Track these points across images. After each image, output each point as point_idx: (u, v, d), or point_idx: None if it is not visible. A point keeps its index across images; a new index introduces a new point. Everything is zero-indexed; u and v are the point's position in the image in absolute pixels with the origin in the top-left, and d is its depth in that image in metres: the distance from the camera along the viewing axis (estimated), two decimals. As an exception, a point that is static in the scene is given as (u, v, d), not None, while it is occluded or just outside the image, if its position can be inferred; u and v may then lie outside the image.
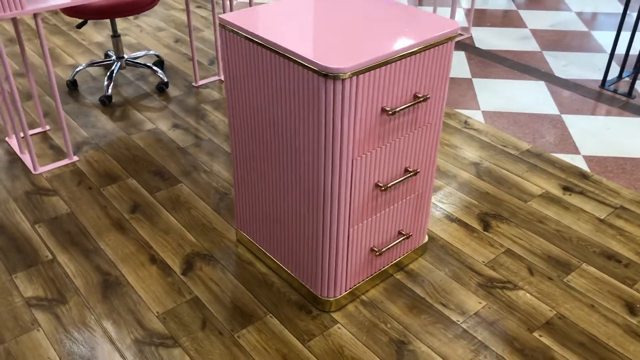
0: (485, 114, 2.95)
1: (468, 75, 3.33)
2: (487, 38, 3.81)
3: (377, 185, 1.71)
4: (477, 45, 3.71)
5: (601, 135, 2.77)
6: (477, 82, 3.26)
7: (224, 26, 1.68)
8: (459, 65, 3.43)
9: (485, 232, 2.19)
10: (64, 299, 1.87)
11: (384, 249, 1.86)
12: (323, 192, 1.62)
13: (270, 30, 1.60)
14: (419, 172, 1.80)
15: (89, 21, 3.99)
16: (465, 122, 2.88)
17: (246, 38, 1.61)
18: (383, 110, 1.58)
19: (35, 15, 2.23)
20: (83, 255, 2.04)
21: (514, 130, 2.81)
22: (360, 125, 1.55)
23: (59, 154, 2.58)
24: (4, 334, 1.75)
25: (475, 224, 2.22)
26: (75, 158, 2.56)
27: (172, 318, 1.80)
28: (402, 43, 1.54)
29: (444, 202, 2.33)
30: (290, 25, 1.64)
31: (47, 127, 2.78)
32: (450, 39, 1.66)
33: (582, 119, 2.90)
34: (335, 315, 1.84)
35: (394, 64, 1.53)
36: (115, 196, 2.33)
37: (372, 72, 1.49)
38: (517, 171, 2.51)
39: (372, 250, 1.85)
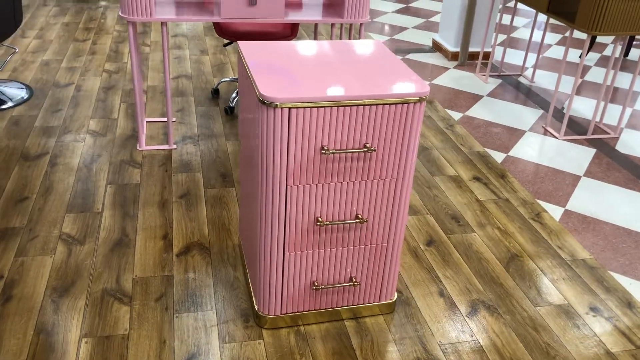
0: (567, 213, 2.70)
1: (580, 172, 3.07)
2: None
3: (317, 220, 1.79)
4: (618, 147, 3.37)
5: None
6: (585, 181, 2.98)
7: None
8: (577, 161, 3.17)
9: (466, 317, 2.06)
10: (83, 243, 2.29)
11: (325, 287, 1.91)
12: (259, 212, 1.76)
13: (259, 60, 1.82)
14: (366, 221, 1.82)
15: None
16: (538, 214, 2.68)
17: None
18: (322, 148, 1.67)
19: (162, 24, 2.76)
20: (122, 216, 2.45)
21: (582, 238, 2.53)
22: (295, 156, 1.67)
23: (167, 140, 3.09)
24: (28, 249, 2.23)
25: (463, 308, 2.10)
26: (174, 147, 3.04)
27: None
28: (353, 91, 1.63)
29: (448, 276, 2.24)
30: (274, 60, 1.83)
31: (174, 119, 3.33)
32: (419, 100, 1.69)
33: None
34: (265, 332, 1.94)
35: (341, 108, 1.63)
36: (178, 182, 2.73)
37: (313, 109, 1.61)
38: (549, 273, 2.28)
39: (313, 283, 1.91)
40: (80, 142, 3.02)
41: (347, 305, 2.00)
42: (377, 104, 1.66)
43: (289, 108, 1.60)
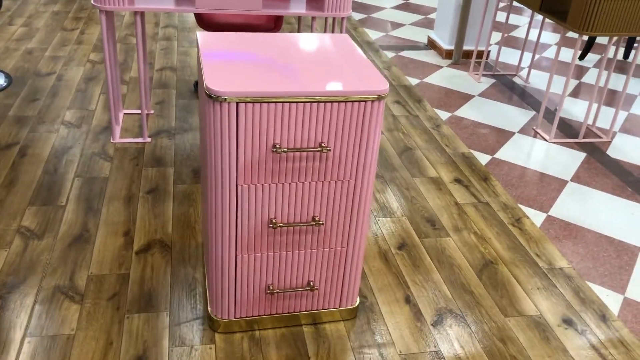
0: (549, 219, 2.60)
1: (567, 177, 2.96)
2: (633, 149, 3.31)
3: (271, 222, 1.70)
4: (609, 152, 3.26)
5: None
6: (572, 186, 2.88)
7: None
8: (565, 165, 3.06)
9: (431, 326, 1.97)
10: (42, 237, 2.22)
11: (280, 291, 1.82)
12: (210, 212, 1.68)
13: (215, 52, 1.73)
14: (322, 224, 1.74)
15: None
16: (518, 220, 2.58)
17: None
18: (274, 146, 1.59)
19: (137, 13, 2.67)
20: (85, 210, 2.38)
21: (562, 245, 2.44)
22: (246, 154, 1.58)
23: (142, 133, 3.02)
24: (-15, 244, 2.17)
25: (429, 317, 2.01)
26: (148, 140, 2.96)
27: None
28: (307, 87, 1.54)
29: (416, 282, 2.15)
30: (231, 52, 1.74)
31: (152, 112, 3.25)
32: (378, 98, 1.60)
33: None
34: (217, 337, 1.86)
35: (294, 104, 1.54)
36: (147, 177, 2.65)
37: (263, 105, 1.52)
38: (524, 282, 2.19)
39: (268, 287, 1.83)
40: (53, 132, 2.95)
41: (305, 310, 1.92)
42: (332, 101, 1.57)
43: (237, 103, 1.51)
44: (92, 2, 2.61)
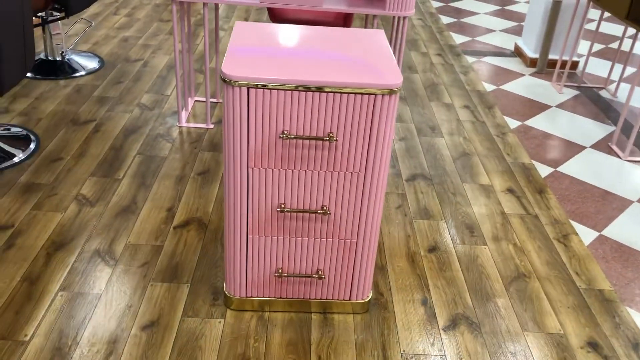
0: (601, 239, 2.44)
1: (633, 198, 2.76)
2: None
3: (280, 206, 1.76)
4: (692, 175, 2.98)
5: None
6: (636, 208, 2.67)
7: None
8: (635, 185, 2.84)
9: (442, 330, 1.93)
10: (94, 205, 2.42)
11: (289, 275, 1.87)
12: (225, 192, 1.76)
13: (243, 40, 1.81)
14: (329, 213, 1.76)
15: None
16: (566, 235, 2.45)
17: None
18: (283, 132, 1.64)
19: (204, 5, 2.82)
20: (138, 185, 2.56)
21: (608, 267, 2.28)
22: (256, 138, 1.65)
23: (206, 120, 3.17)
24: (44, 204, 2.39)
25: (442, 321, 1.97)
26: (211, 126, 3.12)
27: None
28: (317, 76, 1.58)
29: (438, 286, 2.11)
30: (259, 41, 1.81)
31: (220, 100, 3.41)
32: (390, 92, 1.60)
33: None
34: (229, 313, 1.94)
35: (302, 92, 1.59)
36: (202, 160, 2.80)
37: (273, 91, 1.58)
38: (554, 300, 2.07)
39: (277, 270, 1.88)
40: (127, 113, 3.19)
41: (315, 298, 1.96)
42: (341, 92, 1.59)
43: (248, 87, 1.58)
44: (166, -7, 2.79)
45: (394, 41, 3.01)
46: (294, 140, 1.65)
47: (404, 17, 2.84)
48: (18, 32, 2.46)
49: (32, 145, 2.81)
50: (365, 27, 3.24)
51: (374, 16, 2.86)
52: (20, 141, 2.83)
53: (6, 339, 1.78)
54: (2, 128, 2.90)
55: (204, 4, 2.84)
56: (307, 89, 1.58)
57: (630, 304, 2.13)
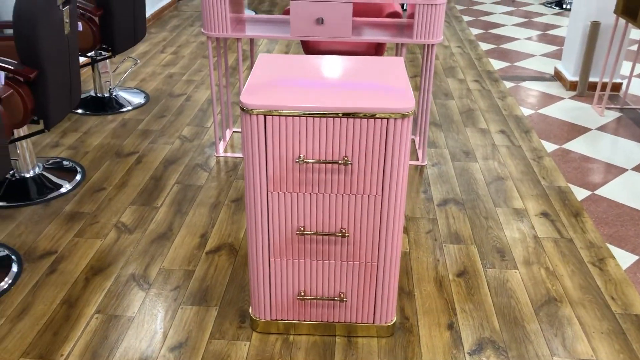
0: (642, 263, 2.37)
1: (677, 220, 2.66)
2: None
3: (299, 229, 1.80)
4: None
5: None
6: (681, 231, 2.58)
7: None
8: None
9: (467, 354, 1.90)
10: (132, 232, 2.53)
11: (311, 298, 1.90)
12: (247, 217, 1.82)
13: (264, 70, 1.89)
14: (347, 235, 1.79)
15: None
16: (602, 259, 2.38)
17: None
18: (299, 157, 1.69)
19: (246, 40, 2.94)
20: (174, 212, 2.66)
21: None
22: (274, 163, 1.71)
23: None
24: (86, 232, 2.51)
25: (467, 345, 1.95)
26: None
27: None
28: (330, 103, 1.63)
29: (465, 310, 2.08)
30: (279, 71, 1.89)
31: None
32: (402, 116, 1.64)
33: None
34: (255, 335, 1.98)
35: (317, 118, 1.64)
36: (236, 187, 2.88)
37: (288, 118, 1.64)
38: (587, 325, 2.01)
39: (299, 293, 1.91)
40: (169, 145, 3.33)
41: (339, 321, 1.97)
42: (354, 117, 1.64)
43: (265, 115, 1.65)
44: (202, 30, 2.93)
45: (424, 68, 3.04)
46: (311, 164, 1.71)
47: (432, 45, 2.88)
48: (64, 71, 2.63)
49: (78, 177, 2.97)
50: (397, 55, 3.29)
51: (403, 45, 2.91)
52: (68, 173, 2.99)
53: (44, 358, 1.87)
54: (51, 161, 3.09)
55: (237, 39, 2.97)
56: (320, 115, 1.64)
57: (669, 329, 2.05)
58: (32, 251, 2.39)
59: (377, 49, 3.42)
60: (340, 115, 1.64)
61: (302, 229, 1.80)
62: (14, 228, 2.54)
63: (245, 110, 1.65)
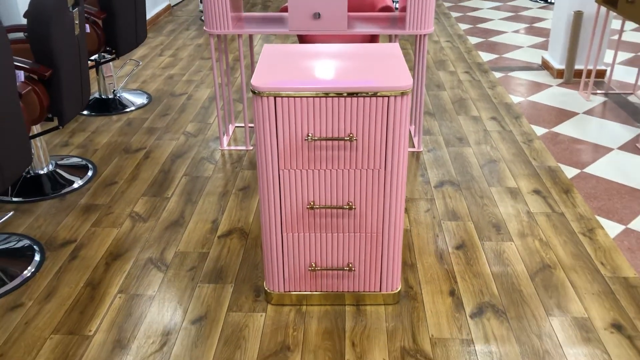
0: (627, 231, 2.51)
1: (661, 192, 2.82)
2: None
3: (310, 204, 1.94)
4: None
5: None
6: (665, 202, 2.73)
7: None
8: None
9: (469, 317, 2.05)
10: (146, 220, 2.66)
11: (321, 269, 2.04)
12: (260, 194, 1.96)
13: (271, 58, 2.03)
14: (354, 208, 1.93)
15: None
16: (591, 230, 2.53)
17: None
18: (308, 135, 1.83)
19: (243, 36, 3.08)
20: (185, 201, 2.79)
21: (634, 257, 2.35)
22: (285, 142, 1.84)
23: (246, 143, 3.41)
24: (102, 221, 2.64)
25: (469, 309, 2.09)
26: (250, 148, 3.35)
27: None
28: (334, 83, 1.77)
29: (465, 279, 2.22)
30: (285, 58, 2.02)
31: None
32: (402, 94, 1.78)
33: None
34: (270, 307, 2.11)
35: (323, 98, 1.78)
36: (243, 177, 3.02)
37: (297, 99, 1.78)
38: (579, 287, 2.16)
39: (311, 265, 2.05)
40: (174, 140, 3.46)
41: (348, 291, 2.11)
42: (357, 96, 1.78)
43: (275, 97, 1.79)
44: (204, 28, 3.07)
45: (416, 58, 3.19)
46: (319, 142, 1.84)
47: (424, 35, 3.03)
48: (76, 70, 2.76)
49: (90, 173, 3.09)
50: (390, 48, 3.44)
51: (396, 36, 3.06)
52: (79, 170, 3.11)
53: (74, 334, 2.00)
54: (64, 159, 3.21)
55: (239, 35, 3.11)
56: (326, 95, 1.78)
57: (655, 289, 2.19)
58: (53, 240, 2.52)
59: (372, 42, 3.57)
60: (345, 94, 1.78)
61: (312, 203, 1.94)
62: (33, 221, 2.67)
63: (256, 93, 1.79)
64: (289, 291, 2.11)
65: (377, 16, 3.24)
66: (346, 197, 1.93)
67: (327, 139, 1.83)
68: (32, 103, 2.55)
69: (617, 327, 2.00)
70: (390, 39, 3.45)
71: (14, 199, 2.88)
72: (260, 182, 1.93)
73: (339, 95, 1.78)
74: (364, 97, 1.78)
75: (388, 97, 1.78)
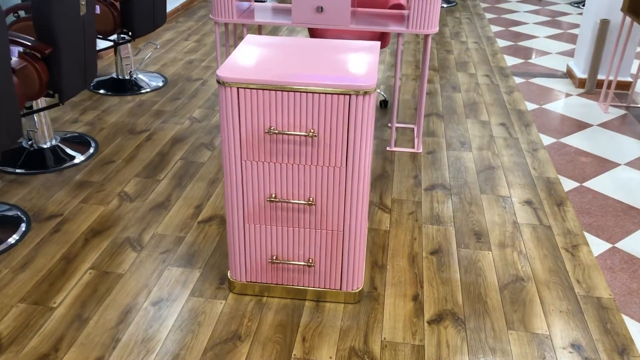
0: (612, 250, 2.43)
1: (660, 213, 2.70)
2: None
3: (270, 196, 1.94)
4: None
5: None
6: (662, 224, 2.62)
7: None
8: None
9: (426, 323, 2.02)
10: (133, 200, 2.72)
11: (281, 262, 2.05)
12: (225, 184, 1.98)
13: (248, 49, 2.04)
14: (313, 204, 1.92)
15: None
16: (575, 246, 2.45)
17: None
18: (270, 128, 1.83)
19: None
20: (174, 185, 2.84)
21: (613, 277, 2.26)
22: (247, 134, 1.86)
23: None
24: (91, 198, 2.72)
25: (428, 315, 2.06)
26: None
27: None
28: (297, 78, 1.77)
29: (432, 285, 2.19)
30: (260, 50, 2.03)
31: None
32: (364, 93, 1.76)
33: None
34: (231, 296, 2.14)
35: (285, 92, 1.79)
36: (236, 166, 3.05)
37: (259, 91, 1.79)
38: (548, 303, 2.10)
39: (272, 257, 2.06)
40: (178, 125, 3.52)
41: (309, 286, 2.11)
42: (318, 92, 1.78)
43: (237, 88, 1.80)
44: (210, 16, 3.10)
45: (421, 59, 3.14)
46: (280, 135, 1.85)
47: (427, 35, 2.98)
48: (79, 49, 2.84)
49: (91, 150, 3.18)
50: (397, 45, 3.40)
51: (399, 34, 3.02)
52: (82, 146, 3.21)
53: (38, 304, 2.07)
54: (68, 135, 3.31)
55: (243, 25, 3.13)
56: (288, 89, 1.78)
57: (628, 312, 2.11)
58: (41, 213, 2.61)
59: (381, 39, 3.54)
60: (305, 90, 1.78)
61: (272, 196, 1.95)
62: (27, 193, 2.76)
63: (220, 82, 1.81)
64: (252, 281, 2.14)
65: (383, 13, 3.21)
66: (307, 192, 1.94)
67: (288, 134, 1.83)
68: (30, 78, 2.63)
69: (576, 347, 1.94)
70: (398, 37, 3.41)
71: (17, 170, 2.99)
72: (225, 171, 1.95)
73: (301, 90, 1.78)
74: (326, 94, 1.78)
75: (350, 95, 1.77)
